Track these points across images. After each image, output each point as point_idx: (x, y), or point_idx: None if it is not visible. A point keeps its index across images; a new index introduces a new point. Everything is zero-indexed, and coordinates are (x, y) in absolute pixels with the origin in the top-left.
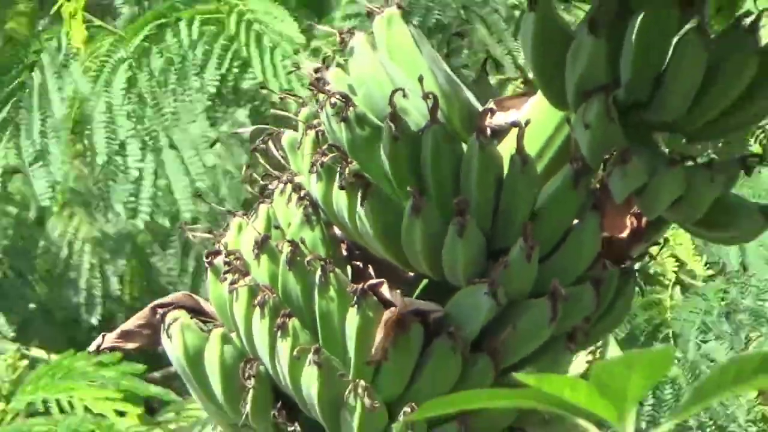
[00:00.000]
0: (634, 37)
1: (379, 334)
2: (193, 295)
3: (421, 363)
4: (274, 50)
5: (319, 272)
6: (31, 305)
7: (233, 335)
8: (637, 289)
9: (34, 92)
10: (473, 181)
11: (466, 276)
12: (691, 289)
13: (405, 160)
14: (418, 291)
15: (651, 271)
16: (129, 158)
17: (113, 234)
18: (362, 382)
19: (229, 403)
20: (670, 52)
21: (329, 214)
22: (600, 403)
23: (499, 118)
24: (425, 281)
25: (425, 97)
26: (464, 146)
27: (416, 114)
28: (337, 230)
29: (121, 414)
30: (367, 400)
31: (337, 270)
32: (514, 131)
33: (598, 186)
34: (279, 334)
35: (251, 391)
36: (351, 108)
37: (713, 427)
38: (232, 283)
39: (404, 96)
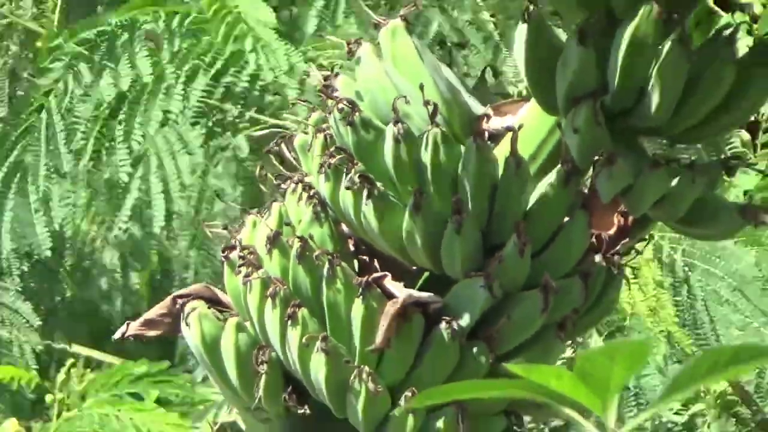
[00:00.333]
0: (620, 48)
1: (382, 324)
2: (211, 287)
3: (421, 350)
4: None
5: (326, 266)
6: (57, 298)
7: (247, 324)
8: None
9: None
10: (470, 181)
11: (463, 270)
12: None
13: (406, 162)
14: (419, 283)
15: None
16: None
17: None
18: (367, 368)
19: (243, 388)
20: (654, 63)
21: (337, 211)
22: (584, 392)
23: (496, 123)
24: (426, 274)
25: (426, 103)
26: (462, 149)
27: (418, 119)
28: (344, 227)
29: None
30: (371, 385)
31: (344, 264)
32: (510, 135)
33: (587, 186)
34: (289, 323)
35: (264, 376)
36: (357, 113)
37: None
38: (246, 275)
39: (407, 102)
